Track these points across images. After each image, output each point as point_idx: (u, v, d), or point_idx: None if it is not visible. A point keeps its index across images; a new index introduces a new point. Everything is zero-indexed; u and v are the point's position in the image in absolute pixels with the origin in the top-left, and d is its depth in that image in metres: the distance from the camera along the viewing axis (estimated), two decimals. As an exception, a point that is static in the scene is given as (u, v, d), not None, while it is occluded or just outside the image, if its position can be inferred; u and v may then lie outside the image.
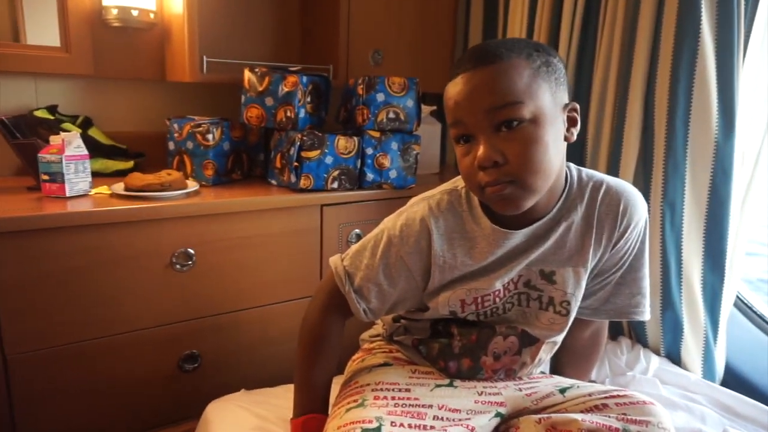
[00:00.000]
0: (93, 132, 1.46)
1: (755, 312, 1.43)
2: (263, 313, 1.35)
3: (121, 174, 1.44)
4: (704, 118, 1.18)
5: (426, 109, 1.78)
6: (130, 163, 1.49)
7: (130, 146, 1.54)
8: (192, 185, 1.30)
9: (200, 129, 1.38)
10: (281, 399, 1.11)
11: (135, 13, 1.47)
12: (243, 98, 1.40)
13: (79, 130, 1.39)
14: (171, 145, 1.45)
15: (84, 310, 1.13)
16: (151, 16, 1.51)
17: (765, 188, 1.24)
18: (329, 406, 0.94)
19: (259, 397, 1.13)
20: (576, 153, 1.44)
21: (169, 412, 1.26)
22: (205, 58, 1.45)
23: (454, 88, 0.77)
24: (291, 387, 0.99)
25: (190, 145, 1.40)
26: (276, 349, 1.38)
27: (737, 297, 1.40)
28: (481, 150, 0.74)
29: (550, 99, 0.76)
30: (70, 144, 1.17)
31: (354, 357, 1.05)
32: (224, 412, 1.07)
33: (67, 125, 1.40)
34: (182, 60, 1.46)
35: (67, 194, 1.17)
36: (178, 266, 1.21)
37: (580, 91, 1.44)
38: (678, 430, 1.01)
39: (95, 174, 1.35)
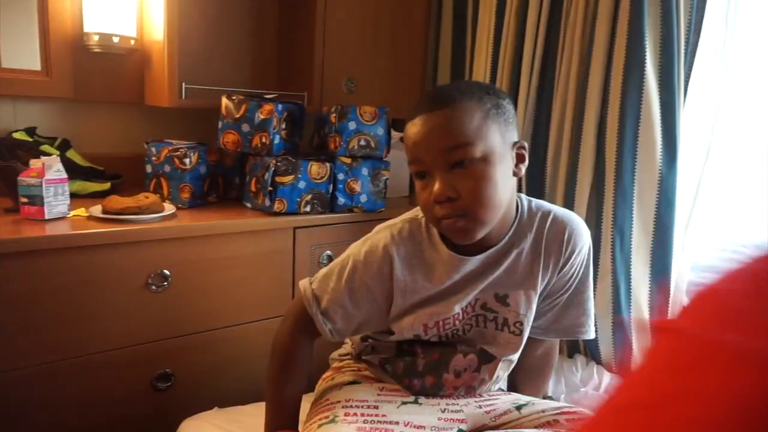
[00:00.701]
0: (71, 154, 1.49)
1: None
2: (236, 332, 1.39)
3: (98, 195, 1.47)
4: (649, 152, 1.29)
5: (396, 136, 1.85)
6: (107, 185, 1.52)
7: (108, 168, 1.57)
8: (169, 208, 1.34)
9: (178, 153, 1.42)
10: (253, 416, 1.15)
11: (116, 39, 1.51)
12: (220, 124, 1.45)
13: (57, 152, 1.42)
14: (149, 168, 1.49)
15: (59, 331, 1.15)
16: (132, 42, 1.55)
17: (706, 215, 1.35)
18: (299, 423, 0.99)
19: (231, 415, 1.17)
20: (535, 184, 1.54)
21: (143, 430, 1.28)
22: (183, 84, 1.50)
23: (413, 129, 0.84)
24: (263, 405, 1.03)
25: (167, 168, 1.44)
26: (248, 368, 1.42)
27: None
28: (436, 186, 0.82)
29: (499, 139, 0.84)
30: (50, 168, 1.21)
31: (324, 376, 1.10)
32: (197, 430, 1.11)
33: (45, 147, 1.43)
34: (161, 86, 1.51)
35: (46, 217, 1.19)
36: (153, 287, 1.25)
37: (539, 127, 1.54)
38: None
39: (73, 195, 1.37)
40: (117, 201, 1.27)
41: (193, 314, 1.32)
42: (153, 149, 1.47)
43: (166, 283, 1.26)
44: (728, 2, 1.24)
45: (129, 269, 1.22)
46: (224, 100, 1.45)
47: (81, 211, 1.28)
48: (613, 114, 1.33)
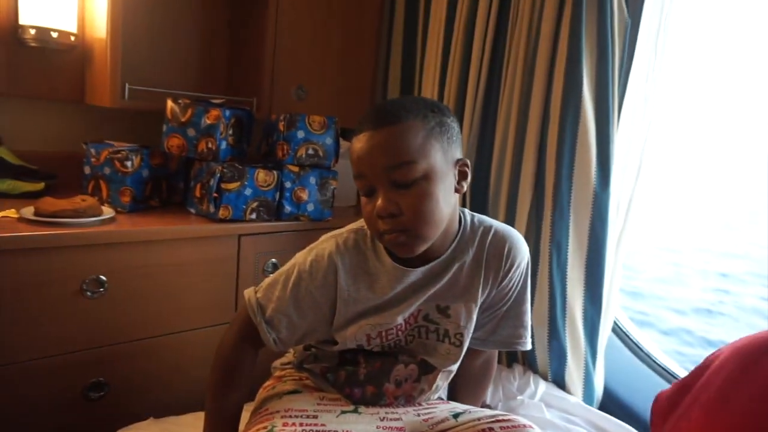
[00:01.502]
0: (1, 151, 1.42)
1: (632, 340, 1.62)
2: (176, 340, 1.36)
3: (30, 196, 1.40)
4: (585, 172, 1.36)
5: (345, 145, 1.86)
6: (41, 185, 1.45)
7: (42, 167, 1.50)
8: (108, 212, 1.30)
9: (119, 155, 1.38)
10: (191, 427, 1.12)
11: (54, 34, 1.45)
12: (165, 127, 1.42)
13: (-14, 150, 1.35)
14: (87, 170, 1.43)
15: (-17, 339, 1.09)
16: (72, 38, 1.49)
17: (635, 233, 1.43)
18: (239, 433, 0.98)
19: (167, 426, 1.14)
20: (479, 200, 1.59)
21: (71, 443, 1.23)
22: (127, 84, 1.46)
23: (358, 144, 0.87)
24: (201, 415, 1.01)
25: (107, 170, 1.39)
26: (187, 377, 1.39)
27: (616, 325, 1.58)
28: (379, 202, 0.85)
29: (441, 157, 0.87)
30: (-22, 167, 1.14)
31: (265, 384, 1.09)
32: (131, 442, 1.07)
33: (-28, 144, 1.35)
34: (103, 85, 1.46)
35: (-29, 218, 1.13)
36: (88, 293, 1.20)
37: (483, 148, 1.59)
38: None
39: (2, 195, 1.31)
40: (51, 203, 1.22)
41: (130, 321, 1.28)
42: (92, 150, 1.42)
43: (102, 289, 1.22)
44: (657, 33, 1.32)
45: (63, 274, 1.17)
46: (170, 103, 1.42)
47: (11, 212, 1.22)
48: (552, 135, 1.39)
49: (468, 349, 1.02)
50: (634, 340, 1.62)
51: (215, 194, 1.38)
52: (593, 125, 1.35)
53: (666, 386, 1.50)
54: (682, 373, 1.53)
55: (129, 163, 1.38)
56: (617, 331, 1.60)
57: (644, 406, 1.47)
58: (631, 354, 1.61)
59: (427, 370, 1.00)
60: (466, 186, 0.93)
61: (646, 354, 1.59)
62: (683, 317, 4.40)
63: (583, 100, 1.33)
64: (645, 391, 1.54)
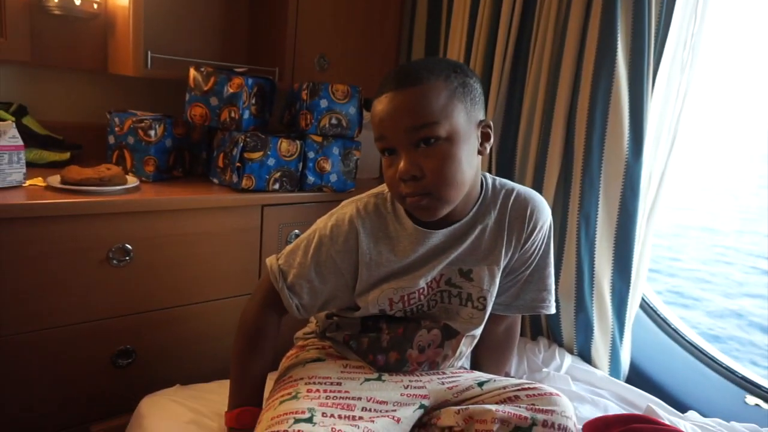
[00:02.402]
0: (27, 121, 1.43)
1: (659, 315, 1.59)
2: (200, 309, 1.37)
3: (56, 165, 1.41)
4: (617, 140, 1.31)
5: (368, 116, 1.84)
6: (67, 155, 1.46)
7: (67, 137, 1.51)
8: (132, 181, 1.30)
9: (142, 124, 1.37)
10: (216, 394, 1.13)
11: (77, 2, 1.44)
12: (187, 96, 1.41)
13: (13, 119, 1.36)
14: (111, 139, 1.44)
15: (14, 304, 1.11)
16: (95, 6, 1.49)
17: (667, 205, 1.38)
18: (263, 400, 0.98)
19: (193, 392, 1.15)
20: (505, 169, 1.55)
21: (102, 407, 1.25)
22: (149, 53, 1.45)
23: (380, 106, 0.84)
24: (226, 382, 1.02)
25: (131, 140, 1.39)
26: (212, 346, 1.40)
27: (644, 301, 1.55)
28: (401, 164, 0.83)
29: (464, 118, 0.84)
30: (5, 134, 1.15)
31: (288, 354, 1.09)
32: (158, 407, 1.09)
33: (-1, 113, 1.36)
34: (126, 53, 1.45)
35: (0, 185, 1.14)
36: (114, 261, 1.21)
37: (510, 113, 1.54)
38: (584, 420, 1.12)
39: (29, 164, 1.32)
40: (77, 171, 1.23)
41: (156, 290, 1.29)
42: (116, 119, 1.42)
43: (128, 258, 1.23)
44: (698, -4, 1.26)
45: (89, 243, 1.18)
46: (192, 72, 1.41)
47: (38, 181, 1.24)
48: (583, 101, 1.34)
49: (491, 315, 1.01)
50: (662, 316, 1.58)
51: (238, 164, 1.37)
52: (626, 92, 1.30)
53: (696, 363, 1.49)
54: (712, 350, 1.50)
55: (152, 133, 1.37)
56: (644, 306, 1.56)
57: (671, 382, 1.44)
58: (658, 329, 1.57)
59: (450, 335, 0.99)
60: (489, 148, 0.91)
61: (674, 330, 1.55)
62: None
63: (616, 66, 1.28)
64: (673, 366, 1.51)
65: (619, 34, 1.28)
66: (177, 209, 1.29)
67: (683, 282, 4.61)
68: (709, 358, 1.47)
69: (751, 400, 1.35)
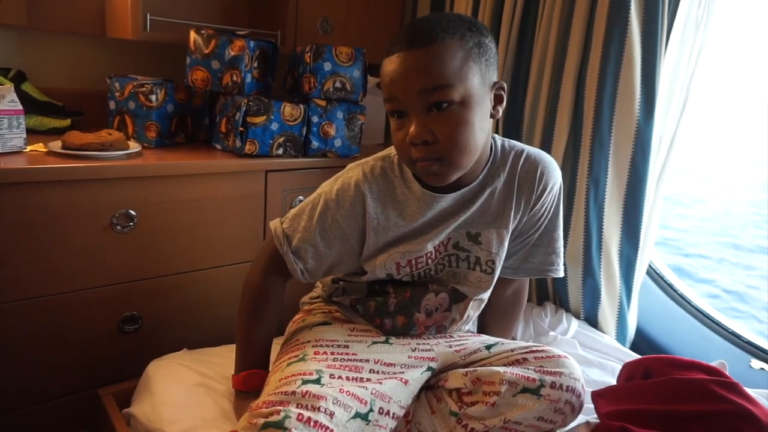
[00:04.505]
0: (27, 87, 1.40)
1: (666, 281, 1.58)
2: (205, 276, 1.37)
3: (57, 132, 1.39)
4: (628, 101, 1.28)
5: (372, 80, 1.80)
6: (67, 121, 1.44)
7: (67, 104, 1.48)
8: (134, 146, 1.28)
9: (143, 89, 1.35)
10: (223, 358, 1.14)
11: (73, -37, 1.40)
12: (188, 60, 1.38)
13: (12, 84, 1.33)
14: (112, 105, 1.41)
15: (18, 270, 1.11)
16: (91, -33, 1.44)
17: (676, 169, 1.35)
18: (270, 363, 0.98)
19: (200, 356, 1.16)
20: (512, 131, 1.52)
21: (110, 372, 1.26)
22: (148, 15, 1.41)
23: (390, 66, 0.81)
24: (233, 347, 1.02)
25: (132, 105, 1.37)
26: (217, 312, 1.40)
27: (650, 267, 1.54)
28: (412, 128, 0.80)
29: (479, 80, 0.81)
30: (4, 98, 1.13)
31: (294, 318, 1.09)
32: (166, 370, 1.10)
33: (-3, 78, 1.34)
34: (124, 16, 1.41)
35: (0, 150, 1.13)
36: (118, 227, 1.20)
37: (519, 73, 1.50)
38: (592, 382, 1.13)
39: (30, 131, 1.30)
40: (78, 136, 1.21)
41: (160, 256, 1.29)
42: (116, 84, 1.39)
43: (132, 224, 1.22)
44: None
45: (92, 208, 1.17)
46: (192, 35, 1.37)
47: (39, 146, 1.22)
48: (594, 60, 1.31)
49: (498, 278, 1.00)
50: (669, 282, 1.57)
51: (241, 128, 1.34)
52: (639, 51, 1.26)
53: (702, 328, 1.48)
54: (719, 316, 1.49)
55: (154, 97, 1.35)
56: (651, 272, 1.55)
57: (678, 348, 1.44)
58: (665, 296, 1.57)
59: (458, 299, 0.98)
60: (501, 111, 0.88)
61: (680, 296, 1.55)
62: None
63: (629, 23, 1.24)
64: (678, 332, 1.51)
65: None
66: (180, 174, 1.27)
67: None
68: (715, 323, 1.47)
69: (756, 364, 1.35)
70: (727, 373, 0.92)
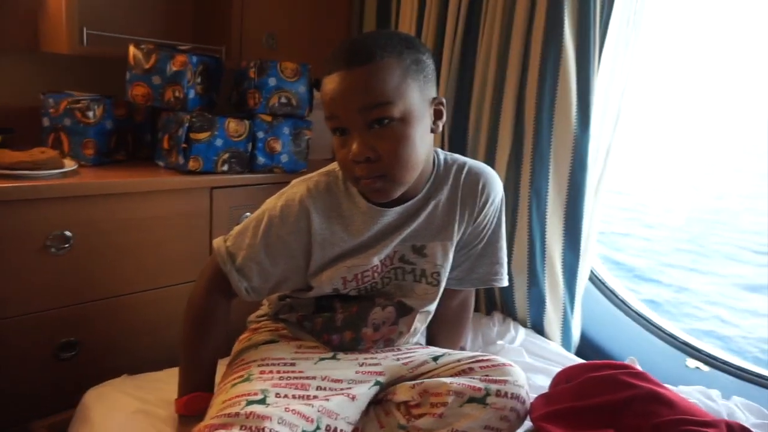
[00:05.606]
0: (-49, 103, 1.33)
1: (607, 287, 1.64)
2: (148, 297, 1.32)
3: (-15, 150, 1.32)
4: (566, 115, 1.33)
5: (319, 95, 1.81)
6: (-2, 139, 1.37)
7: (-3, 121, 1.41)
8: (70, 165, 1.24)
9: (79, 105, 1.31)
10: (165, 383, 1.09)
11: (2, -25, 1.35)
12: (128, 75, 1.35)
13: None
14: (46, 122, 1.36)
15: (-58, 297, 1.04)
16: (22, -21, 1.39)
17: (614, 179, 1.42)
18: (215, 385, 0.96)
19: (141, 382, 1.11)
20: (458, 145, 1.55)
21: (45, 403, 1.19)
22: (85, 29, 1.37)
23: (330, 84, 0.82)
24: (176, 370, 0.99)
25: (67, 122, 1.32)
26: (161, 335, 1.35)
27: (592, 274, 1.59)
28: (354, 146, 0.81)
29: (418, 96, 0.83)
30: (-77, 115, 1.07)
31: (240, 338, 1.06)
32: (104, 398, 1.05)
33: None
34: (59, 30, 1.36)
35: None
36: (53, 249, 1.15)
37: (462, 88, 1.54)
38: (538, 389, 1.15)
39: (-45, 150, 1.23)
40: (8, 155, 1.16)
41: (99, 279, 1.24)
42: (50, 100, 1.34)
43: (67, 245, 1.17)
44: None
45: (24, 229, 1.12)
46: (132, 49, 1.34)
47: (-35, 166, 1.16)
48: (533, 76, 1.36)
49: (445, 290, 1.01)
50: (610, 288, 1.63)
51: (184, 145, 1.32)
52: (574, 67, 1.31)
53: (642, 331, 1.55)
54: (656, 318, 1.56)
55: (91, 114, 1.31)
56: (593, 279, 1.61)
57: (620, 352, 1.49)
58: (607, 301, 1.63)
59: (405, 312, 0.99)
60: (441, 126, 0.90)
61: (621, 301, 1.61)
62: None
63: (564, 41, 1.29)
64: (620, 336, 1.57)
65: (566, 10, 1.30)
66: (120, 193, 1.23)
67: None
68: (653, 325, 1.53)
69: (692, 363, 1.42)
70: (637, 367, 1.00)
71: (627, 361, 1.06)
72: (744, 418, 1.11)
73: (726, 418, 1.04)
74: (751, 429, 0.86)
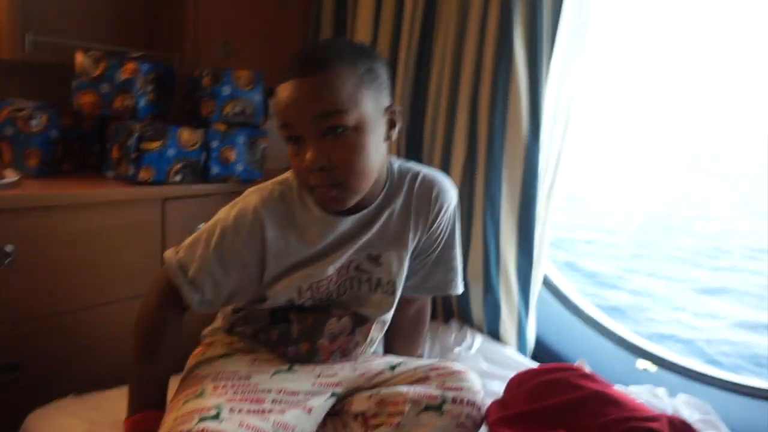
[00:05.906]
0: None
1: (560, 292, 1.68)
2: (96, 314, 1.27)
3: None
4: (517, 122, 1.37)
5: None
6: (-69, 150, 1.30)
7: (-69, 130, 1.34)
8: (11, 175, 1.18)
9: (22, 114, 1.25)
10: (115, 402, 1.05)
11: (-64, -23, 1.28)
12: (75, 83, 1.31)
13: None
14: (-16, 131, 1.30)
15: None
16: (-41, -18, 1.33)
17: (565, 186, 1.46)
18: (167, 403, 0.93)
19: (89, 402, 1.07)
20: (414, 151, 1.56)
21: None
22: (28, 35, 1.31)
23: (284, 93, 0.82)
24: (126, 389, 0.95)
25: (9, 131, 1.26)
26: (111, 352, 1.29)
27: (547, 279, 1.63)
28: (309, 154, 0.81)
29: (372, 105, 0.84)
30: None
31: (194, 352, 1.04)
32: (48, 420, 1.00)
33: None
34: (1, 35, 1.31)
35: None
36: (-8, 264, 1.10)
37: (417, 95, 1.55)
38: (494, 394, 1.16)
39: None
40: (-58, 166, 1.10)
41: (43, 295, 1.19)
42: (-10, 109, 1.28)
43: (8, 260, 1.11)
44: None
45: (-41, 244, 1.06)
46: (79, 56, 1.30)
47: None
48: (485, 89, 1.39)
49: (401, 298, 1.02)
50: (564, 293, 1.68)
51: (134, 154, 1.28)
52: (525, 75, 1.35)
53: (594, 334, 1.60)
54: (608, 321, 1.61)
55: (34, 122, 1.26)
56: (547, 284, 1.65)
57: (573, 355, 1.53)
58: (561, 306, 1.67)
59: (361, 322, 0.99)
60: (395, 134, 0.91)
61: (574, 306, 1.65)
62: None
63: (514, 52, 1.33)
64: (574, 340, 1.61)
65: (516, 19, 1.33)
66: (65, 205, 1.19)
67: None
68: (604, 328, 1.58)
69: (641, 364, 1.47)
70: (586, 369, 1.03)
71: (577, 363, 1.09)
72: (688, 414, 1.16)
73: (670, 414, 1.08)
74: (690, 423, 0.90)
